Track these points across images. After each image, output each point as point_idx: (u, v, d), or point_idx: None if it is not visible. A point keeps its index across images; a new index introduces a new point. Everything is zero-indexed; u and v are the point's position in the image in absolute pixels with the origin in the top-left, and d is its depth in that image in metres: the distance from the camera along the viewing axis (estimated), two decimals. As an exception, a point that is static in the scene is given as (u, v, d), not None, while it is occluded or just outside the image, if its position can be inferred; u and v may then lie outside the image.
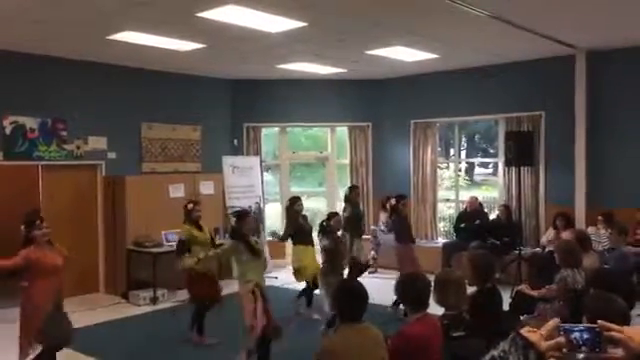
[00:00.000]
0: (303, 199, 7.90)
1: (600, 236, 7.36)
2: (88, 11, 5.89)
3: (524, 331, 1.39)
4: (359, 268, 7.67)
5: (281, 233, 7.63)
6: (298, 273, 7.24)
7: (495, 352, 1.40)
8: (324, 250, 6.44)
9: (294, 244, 7.47)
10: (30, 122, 7.88)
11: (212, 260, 5.98)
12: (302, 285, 7.41)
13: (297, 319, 6.91)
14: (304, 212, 7.70)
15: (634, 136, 7.96)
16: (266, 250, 8.01)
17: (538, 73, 8.73)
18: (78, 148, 8.39)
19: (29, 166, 7.93)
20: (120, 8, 5.79)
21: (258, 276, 5.33)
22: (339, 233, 7.02)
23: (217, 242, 7.31)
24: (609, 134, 8.16)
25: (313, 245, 7.43)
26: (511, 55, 8.53)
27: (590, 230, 7.42)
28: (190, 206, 6.47)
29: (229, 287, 6.47)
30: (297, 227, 7.40)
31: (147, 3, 5.63)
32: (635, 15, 6.37)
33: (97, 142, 8.59)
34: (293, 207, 7.50)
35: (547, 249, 7.85)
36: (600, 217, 7.63)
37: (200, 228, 6.43)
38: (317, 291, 6.80)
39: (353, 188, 8.70)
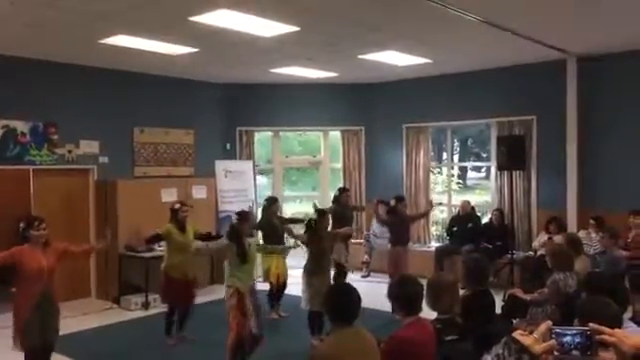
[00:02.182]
0: (297, 203, 7.91)
1: (591, 240, 7.39)
2: (81, 15, 5.86)
3: (517, 334, 1.40)
4: (339, 270, 7.72)
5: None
6: (266, 274, 7.38)
7: (489, 357, 1.40)
8: (308, 250, 6.40)
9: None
10: (21, 126, 7.83)
11: (205, 253, 5.91)
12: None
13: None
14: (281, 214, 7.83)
15: (625, 140, 8.01)
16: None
17: (529, 77, 8.77)
18: (70, 152, 8.35)
19: (20, 170, 7.88)
20: (113, 12, 5.77)
21: (243, 281, 5.39)
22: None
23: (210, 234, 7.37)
24: (600, 138, 8.21)
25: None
26: (503, 59, 8.57)
27: (581, 234, 7.45)
28: (177, 206, 6.48)
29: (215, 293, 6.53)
30: (271, 228, 7.45)
31: (140, 7, 5.61)
32: (625, 21, 6.42)
33: (89, 146, 8.55)
34: (270, 207, 7.58)
35: (539, 253, 7.88)
36: (592, 221, 7.66)
37: (184, 230, 6.40)
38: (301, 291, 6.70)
39: (343, 190, 8.73)
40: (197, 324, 6.55)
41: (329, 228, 6.89)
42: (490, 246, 8.60)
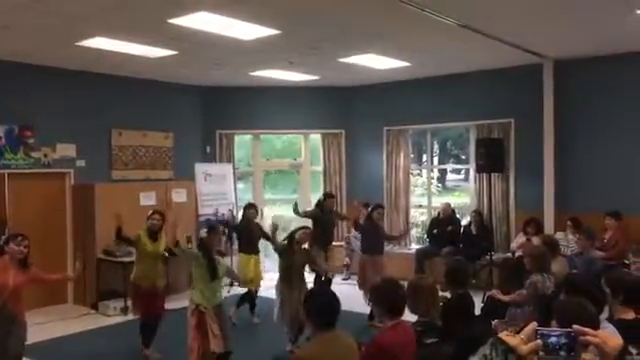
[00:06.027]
0: (277, 206, 7.93)
1: (568, 241, 7.50)
2: (57, 17, 5.78)
3: (503, 335, 1.42)
4: (321, 279, 7.56)
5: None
6: (243, 281, 7.28)
7: (475, 358, 1.42)
8: (279, 261, 6.29)
9: (239, 251, 7.61)
10: (-4, 129, 7.71)
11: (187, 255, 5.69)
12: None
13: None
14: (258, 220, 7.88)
15: (601, 142, 8.15)
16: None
17: (507, 81, 8.89)
18: (46, 156, 8.21)
19: (-5, 174, 7.75)
20: (91, 14, 5.70)
21: (208, 299, 5.19)
22: (305, 246, 6.59)
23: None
24: (576, 141, 8.34)
25: (257, 254, 7.60)
26: (481, 63, 8.67)
27: (558, 235, 7.55)
28: (149, 212, 6.38)
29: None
30: (247, 233, 7.45)
31: (118, 9, 5.56)
32: (600, 26, 6.54)
33: (66, 150, 8.42)
34: (248, 210, 7.67)
35: (517, 254, 7.97)
36: (569, 222, 7.78)
37: (155, 239, 6.20)
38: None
39: (328, 196, 8.52)
40: (174, 332, 6.40)
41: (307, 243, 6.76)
42: (470, 248, 8.66)
